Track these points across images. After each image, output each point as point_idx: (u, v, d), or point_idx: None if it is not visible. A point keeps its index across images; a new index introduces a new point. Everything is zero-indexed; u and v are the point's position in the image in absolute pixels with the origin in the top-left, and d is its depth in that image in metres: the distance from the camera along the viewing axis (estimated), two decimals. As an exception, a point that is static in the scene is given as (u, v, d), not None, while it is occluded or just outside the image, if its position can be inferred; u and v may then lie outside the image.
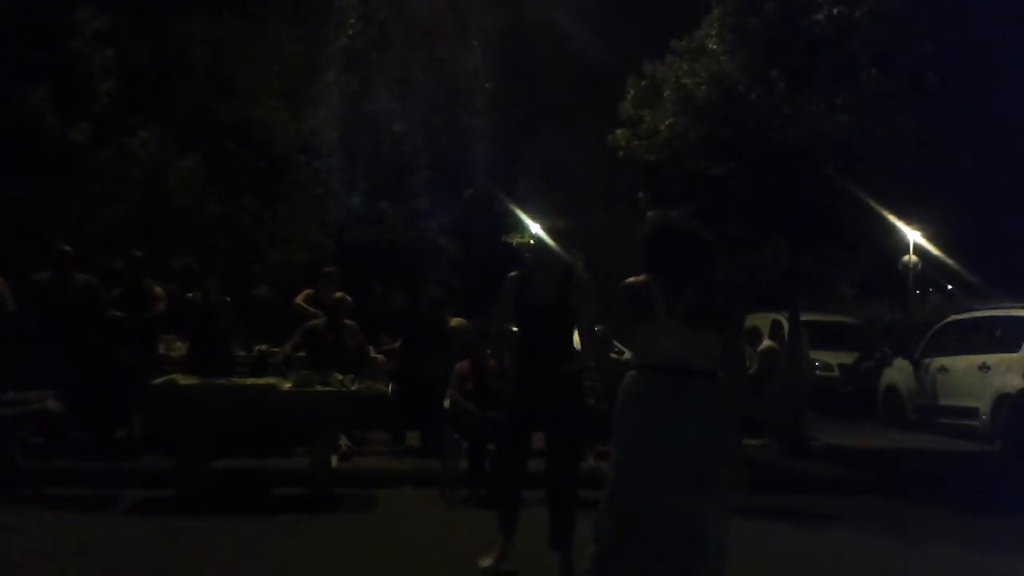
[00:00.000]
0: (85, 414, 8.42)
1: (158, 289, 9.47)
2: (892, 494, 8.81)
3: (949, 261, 21.20)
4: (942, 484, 9.09)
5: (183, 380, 7.65)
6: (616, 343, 8.90)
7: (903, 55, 9.97)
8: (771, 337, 12.11)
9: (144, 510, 7.22)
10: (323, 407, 7.55)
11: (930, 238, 20.79)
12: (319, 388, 7.60)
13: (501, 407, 5.81)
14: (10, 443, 7.60)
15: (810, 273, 11.68)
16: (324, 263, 12.15)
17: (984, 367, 12.20)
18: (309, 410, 7.51)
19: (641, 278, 4.12)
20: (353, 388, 7.75)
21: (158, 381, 7.65)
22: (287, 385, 7.64)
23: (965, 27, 9.68)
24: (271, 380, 7.96)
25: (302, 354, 9.18)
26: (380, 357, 10.39)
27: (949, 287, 25.80)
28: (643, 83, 11.43)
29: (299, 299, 10.32)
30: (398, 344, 10.72)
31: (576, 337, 5.63)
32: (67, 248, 9.11)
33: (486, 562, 5.39)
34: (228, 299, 9.76)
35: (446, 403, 8.04)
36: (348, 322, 9.52)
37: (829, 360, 16.22)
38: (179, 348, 9.63)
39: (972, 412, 12.24)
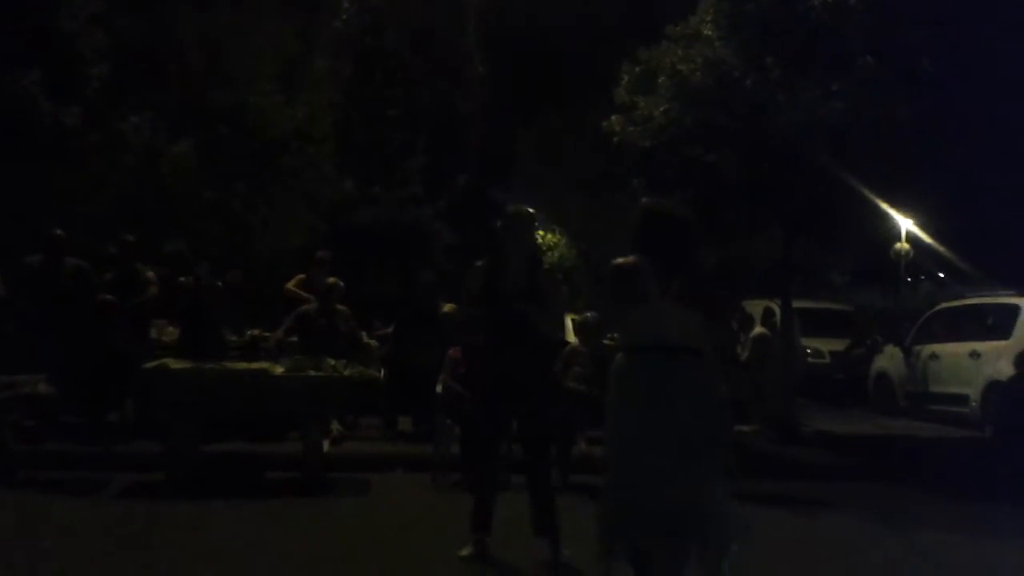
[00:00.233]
0: (76, 398, 8.38)
1: (150, 273, 9.45)
2: (882, 481, 8.84)
3: (941, 249, 21.23)
4: (932, 471, 9.12)
5: (175, 364, 7.64)
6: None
7: (898, 42, 9.95)
8: (763, 324, 12.12)
9: (135, 494, 7.21)
10: (315, 392, 7.55)
11: (922, 226, 20.81)
12: (311, 373, 7.60)
13: (476, 395, 5.77)
14: (1, 427, 7.58)
15: (803, 260, 11.69)
16: (317, 248, 12.12)
17: (974, 354, 12.25)
18: (301, 395, 7.51)
19: (631, 259, 4.21)
20: (345, 373, 7.75)
21: (150, 365, 7.64)
22: (279, 370, 7.63)
23: (961, 15, 9.64)
24: (263, 365, 7.94)
25: (294, 339, 9.17)
26: (372, 342, 10.39)
27: (940, 275, 25.86)
28: (638, 69, 11.41)
29: (291, 284, 10.30)
30: (390, 329, 10.70)
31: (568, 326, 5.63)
32: (59, 232, 9.07)
33: (465, 551, 5.43)
34: (220, 284, 9.74)
35: (438, 388, 8.05)
36: (340, 307, 9.50)
37: (820, 347, 16.24)
38: (171, 332, 9.61)
39: (962, 399, 12.29)
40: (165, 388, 7.46)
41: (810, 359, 15.46)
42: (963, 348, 12.55)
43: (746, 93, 10.16)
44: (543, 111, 26.43)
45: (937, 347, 13.22)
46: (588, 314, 8.69)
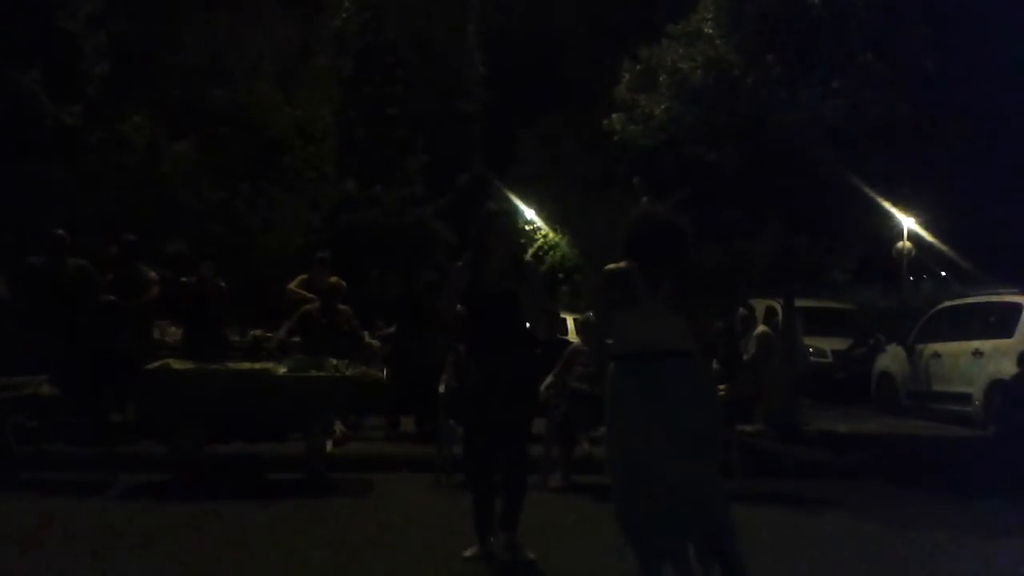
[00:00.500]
0: (79, 399, 8.41)
1: (152, 274, 9.45)
2: (885, 480, 8.82)
3: (943, 247, 21.22)
4: (935, 470, 9.10)
5: (177, 365, 7.64)
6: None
7: (899, 40, 9.94)
8: (765, 323, 12.10)
9: (138, 495, 7.21)
10: (318, 392, 7.55)
11: (924, 224, 20.80)
12: (314, 373, 7.60)
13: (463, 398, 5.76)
14: (4, 428, 7.58)
15: (804, 259, 11.67)
16: (318, 248, 12.12)
17: (977, 353, 12.23)
18: (304, 395, 7.51)
19: (622, 264, 4.39)
20: (348, 373, 7.75)
21: (152, 366, 7.64)
22: (282, 370, 7.63)
23: (962, 12, 9.63)
24: (266, 365, 7.95)
25: (297, 339, 9.17)
26: (375, 342, 10.39)
27: (943, 273, 25.81)
28: (639, 67, 11.39)
29: (293, 284, 10.29)
30: (393, 329, 10.70)
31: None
32: (61, 232, 9.07)
33: (469, 552, 5.42)
34: (223, 284, 9.74)
35: (441, 388, 8.04)
36: (342, 307, 9.50)
37: (823, 346, 16.23)
38: (173, 333, 9.63)
39: (965, 398, 12.27)
40: (167, 389, 7.46)
41: (812, 358, 15.46)
42: (966, 347, 12.53)
43: (747, 91, 10.14)
44: (544, 110, 26.43)
45: (940, 346, 13.20)
46: (590, 313, 8.68)
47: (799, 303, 12.38)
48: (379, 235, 20.77)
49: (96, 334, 8.70)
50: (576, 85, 23.78)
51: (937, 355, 13.18)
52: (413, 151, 22.46)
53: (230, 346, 9.36)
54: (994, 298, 12.93)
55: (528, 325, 5.64)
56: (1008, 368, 11.24)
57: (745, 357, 10.20)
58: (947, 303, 14.41)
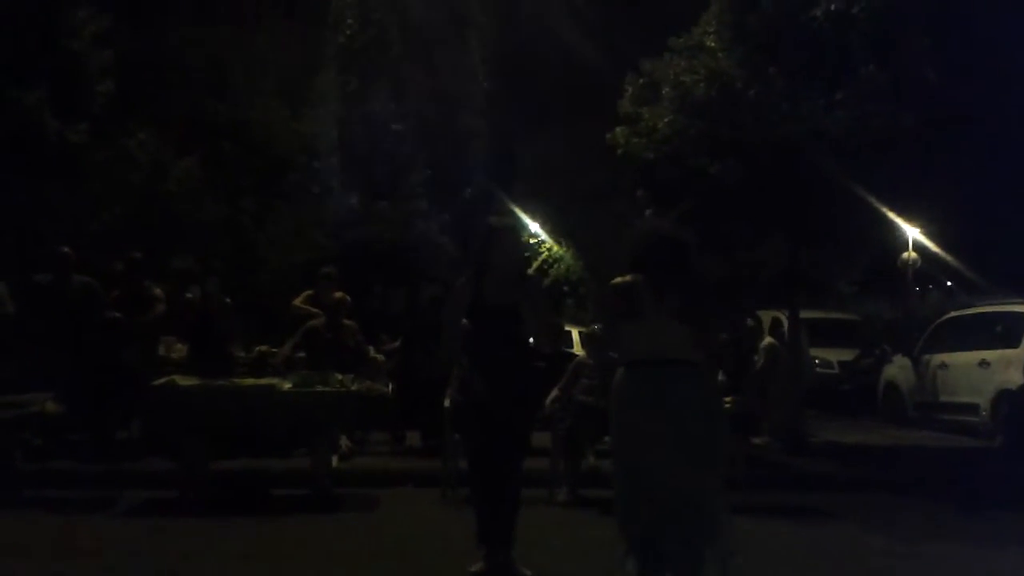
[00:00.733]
0: (84, 416, 8.42)
1: (157, 290, 9.46)
2: (892, 491, 8.80)
3: (948, 257, 21.17)
4: (942, 481, 9.08)
5: (183, 381, 7.64)
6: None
7: (901, 51, 9.96)
8: (771, 334, 12.07)
9: (144, 511, 7.21)
10: (323, 407, 7.55)
11: (929, 235, 20.76)
12: (319, 388, 7.59)
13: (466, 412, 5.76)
14: (10, 445, 7.59)
15: (809, 270, 11.66)
16: (323, 264, 12.13)
17: (984, 363, 12.19)
18: (309, 410, 7.50)
19: (628, 278, 4.43)
20: (353, 388, 7.75)
21: (158, 382, 7.64)
22: (287, 386, 7.63)
23: (963, 22, 9.65)
24: (271, 381, 7.95)
25: (302, 354, 9.17)
26: (380, 357, 10.38)
27: (948, 283, 25.77)
28: (641, 81, 11.42)
29: (298, 300, 10.30)
30: (397, 344, 10.70)
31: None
32: (66, 250, 9.09)
33: (475, 567, 5.40)
34: (228, 300, 9.76)
35: (446, 402, 8.03)
36: (347, 322, 9.50)
37: (829, 357, 16.20)
38: (179, 349, 9.62)
39: (972, 408, 12.22)
40: (173, 405, 7.46)
41: (819, 369, 15.42)
42: (972, 357, 12.49)
43: (750, 104, 10.15)
44: (547, 123, 26.46)
45: (946, 356, 13.16)
46: (595, 326, 8.69)
47: (804, 314, 12.37)
48: (384, 250, 20.78)
49: (101, 351, 8.72)
50: (579, 98, 23.81)
51: (943, 365, 13.14)
52: (417, 166, 22.50)
53: (235, 362, 9.35)
54: (1000, 308, 12.89)
55: (532, 339, 5.64)
56: (1015, 378, 11.23)
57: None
58: (953, 313, 14.37)
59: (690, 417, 4.27)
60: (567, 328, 14.76)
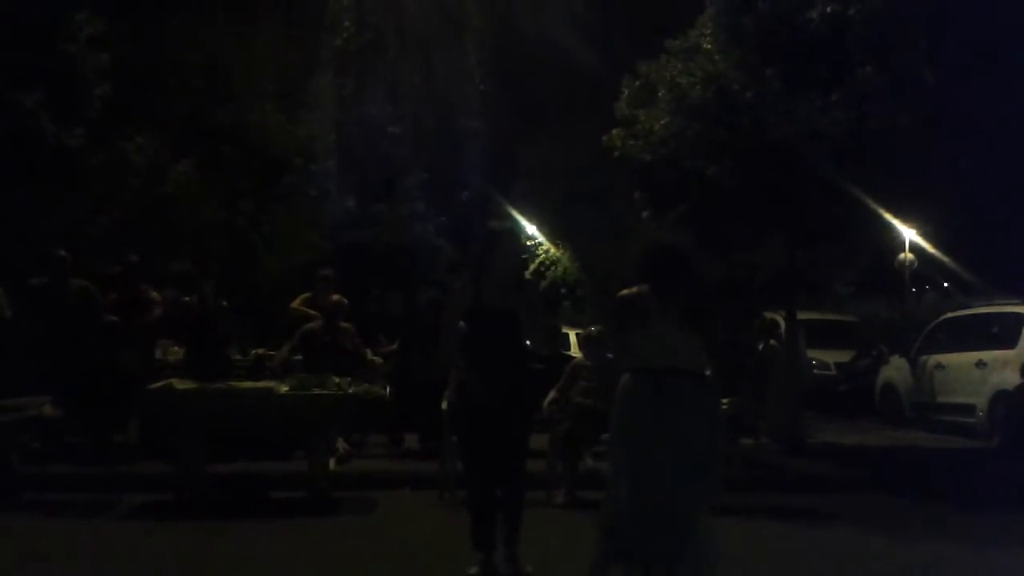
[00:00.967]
0: (82, 419, 8.41)
1: (154, 294, 9.46)
2: (890, 492, 8.81)
3: (945, 258, 21.22)
4: (940, 481, 9.09)
5: (180, 384, 7.64)
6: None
7: (897, 52, 9.97)
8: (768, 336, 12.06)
9: (142, 515, 7.21)
10: (321, 410, 7.55)
11: (926, 235, 20.80)
12: (316, 391, 7.59)
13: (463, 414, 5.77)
14: (7, 449, 7.58)
15: (806, 272, 11.67)
16: (320, 266, 12.13)
17: (981, 364, 12.21)
18: (307, 413, 7.51)
19: (635, 289, 4.60)
20: (350, 391, 7.75)
21: (155, 386, 7.64)
22: (284, 388, 7.63)
23: (960, 23, 9.67)
24: (268, 384, 7.96)
25: (299, 357, 9.17)
26: (377, 359, 10.38)
27: (945, 284, 25.82)
28: (638, 83, 11.43)
29: (296, 303, 10.31)
30: (395, 346, 10.70)
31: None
32: (63, 253, 9.08)
33: (472, 570, 5.41)
34: (224, 303, 9.76)
35: (444, 405, 8.03)
36: (345, 325, 9.51)
37: (826, 358, 16.19)
38: (176, 352, 9.62)
39: (969, 409, 12.24)
40: (170, 408, 7.46)
41: (816, 371, 15.43)
42: (969, 358, 12.50)
43: (746, 106, 10.16)
44: (544, 126, 26.49)
45: (943, 357, 13.18)
46: (592, 328, 8.69)
47: (801, 316, 12.37)
48: (381, 253, 20.78)
49: (99, 354, 8.72)
50: (576, 100, 23.82)
51: (940, 366, 13.16)
52: (414, 169, 22.52)
53: (233, 365, 9.34)
54: (997, 308, 12.92)
55: (529, 342, 5.66)
56: (1012, 378, 11.25)
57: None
58: (950, 314, 14.39)
59: (691, 428, 4.39)
60: (564, 330, 14.77)
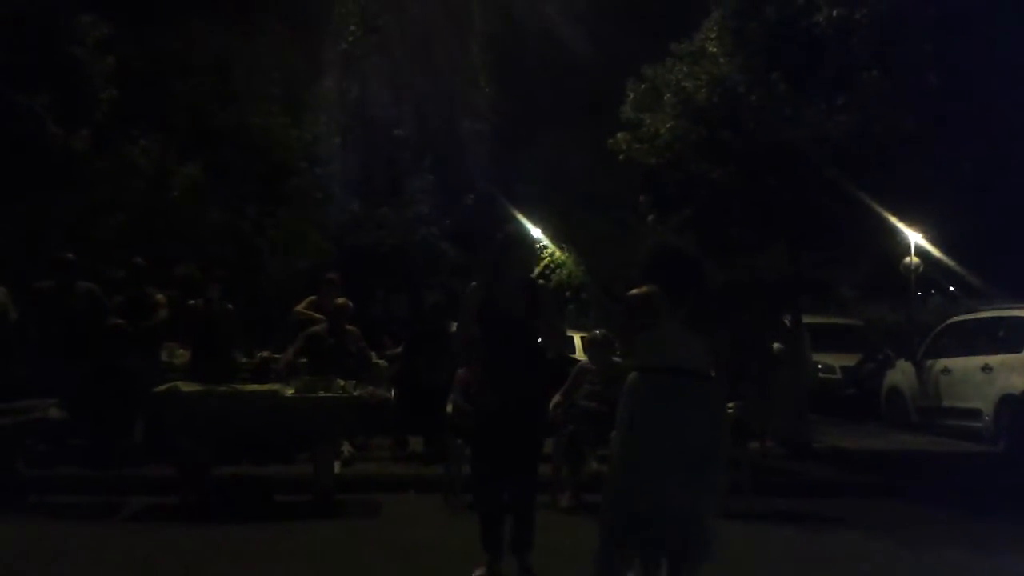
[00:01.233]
0: (87, 422, 8.42)
1: (160, 296, 9.48)
2: (895, 496, 8.79)
3: (951, 262, 21.14)
4: (946, 486, 9.07)
5: (185, 387, 7.65)
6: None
7: (903, 56, 9.95)
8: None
9: (147, 517, 7.22)
10: (325, 413, 7.56)
11: (931, 240, 20.71)
12: (321, 394, 7.60)
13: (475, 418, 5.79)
14: (13, 451, 7.60)
15: (811, 275, 11.65)
16: (325, 270, 12.14)
17: (987, 368, 12.18)
18: (311, 416, 7.52)
19: (644, 289, 4.61)
20: (355, 394, 7.76)
21: (160, 389, 7.65)
22: (289, 391, 7.64)
23: (966, 27, 9.64)
24: (273, 386, 7.96)
25: (304, 360, 9.18)
26: (382, 362, 10.39)
27: (951, 288, 25.76)
28: (643, 86, 11.43)
29: (301, 306, 10.32)
30: (400, 349, 10.71)
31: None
32: (69, 256, 9.11)
33: (478, 573, 5.40)
34: (230, 306, 9.76)
35: (449, 408, 8.04)
36: (350, 328, 9.51)
37: (831, 362, 16.17)
38: (181, 355, 9.63)
39: (975, 413, 12.20)
40: (176, 411, 7.47)
41: (821, 374, 15.41)
42: (975, 362, 12.47)
43: (751, 109, 10.16)
44: (549, 129, 26.47)
45: (949, 361, 13.15)
46: (597, 332, 8.68)
47: (807, 319, 12.36)
48: (386, 256, 20.80)
49: (104, 357, 8.73)
50: (582, 104, 23.82)
51: (946, 370, 13.13)
52: (419, 172, 22.54)
53: (238, 368, 9.35)
54: (1003, 313, 12.88)
55: (550, 348, 5.70)
56: (1018, 383, 11.22)
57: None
58: (956, 318, 14.36)
59: (696, 430, 4.41)
60: (569, 333, 14.77)
